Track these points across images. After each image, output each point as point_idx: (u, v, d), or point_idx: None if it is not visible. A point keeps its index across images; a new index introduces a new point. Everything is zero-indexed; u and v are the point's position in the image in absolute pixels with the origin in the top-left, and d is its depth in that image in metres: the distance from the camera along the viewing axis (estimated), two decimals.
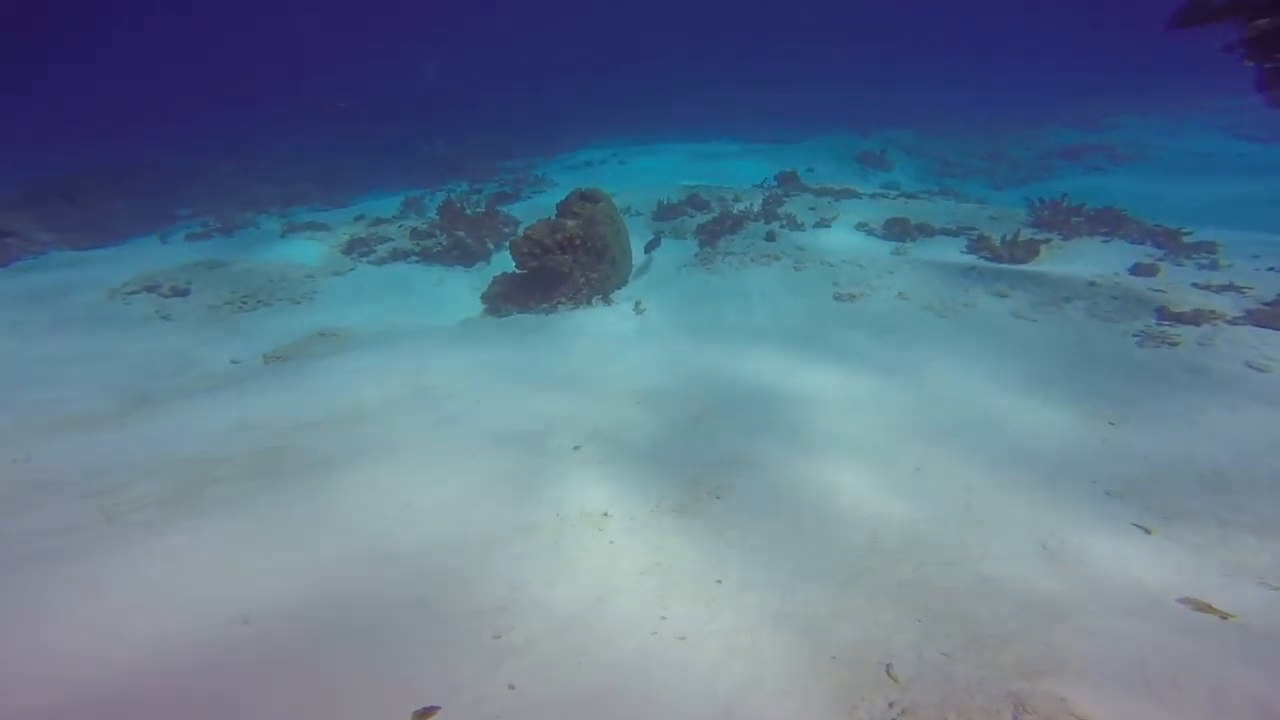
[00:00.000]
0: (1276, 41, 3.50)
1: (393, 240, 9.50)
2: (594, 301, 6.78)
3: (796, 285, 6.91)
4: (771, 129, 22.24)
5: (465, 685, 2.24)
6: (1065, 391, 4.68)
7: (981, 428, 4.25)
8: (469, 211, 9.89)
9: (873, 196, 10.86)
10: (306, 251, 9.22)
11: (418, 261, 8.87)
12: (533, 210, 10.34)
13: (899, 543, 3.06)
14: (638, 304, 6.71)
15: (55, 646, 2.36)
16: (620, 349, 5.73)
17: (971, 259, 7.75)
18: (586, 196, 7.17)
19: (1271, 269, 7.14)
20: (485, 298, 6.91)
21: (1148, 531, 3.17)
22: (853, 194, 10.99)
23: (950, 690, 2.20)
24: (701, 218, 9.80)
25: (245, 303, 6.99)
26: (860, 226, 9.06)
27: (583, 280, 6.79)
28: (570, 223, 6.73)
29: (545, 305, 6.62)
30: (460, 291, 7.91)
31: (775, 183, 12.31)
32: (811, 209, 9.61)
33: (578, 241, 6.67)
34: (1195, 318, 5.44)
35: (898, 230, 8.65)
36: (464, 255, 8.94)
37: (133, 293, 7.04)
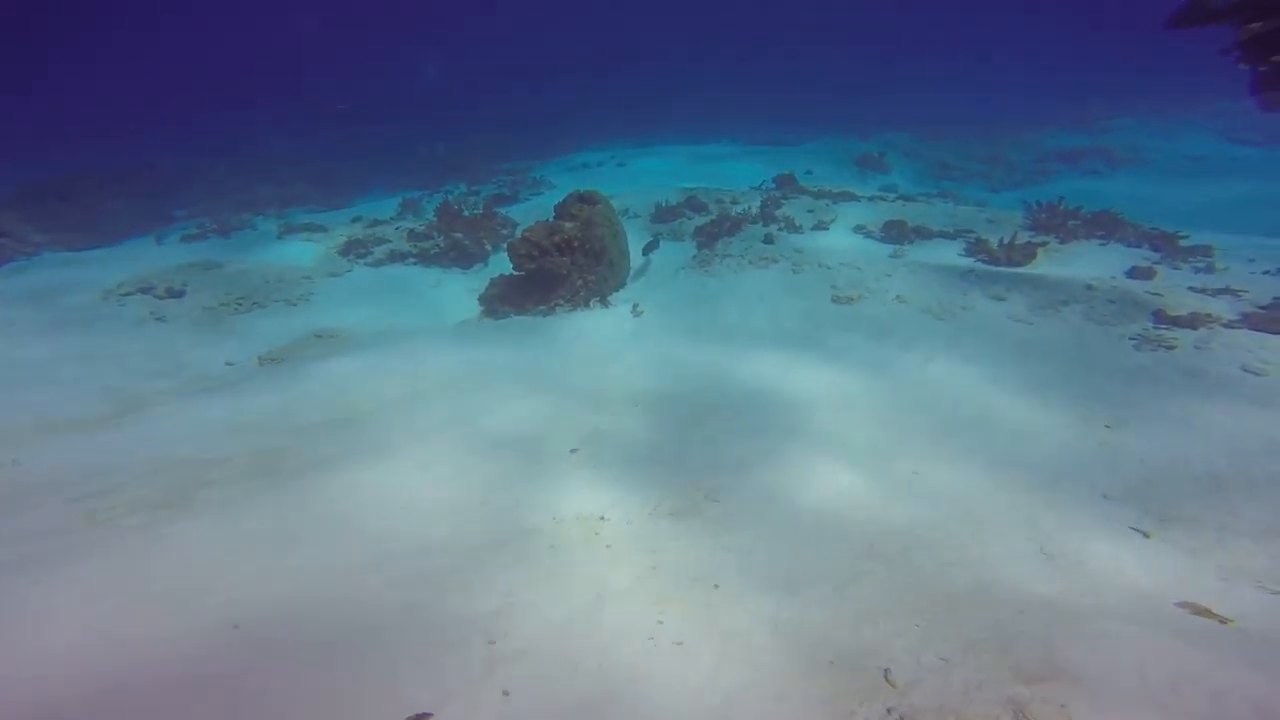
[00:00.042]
0: (1271, 45, 3.52)
1: (390, 242, 9.48)
2: (592, 304, 6.76)
3: (794, 288, 6.91)
4: (770, 131, 22.28)
5: (458, 691, 2.22)
6: (1062, 394, 4.68)
7: (979, 431, 4.24)
8: (467, 213, 9.88)
9: (871, 199, 10.88)
10: (303, 253, 9.19)
11: (415, 263, 8.85)
12: (531, 212, 10.33)
13: (897, 546, 3.05)
14: (635, 306, 6.70)
15: (35, 651, 2.32)
16: (618, 351, 5.71)
17: (969, 262, 7.76)
18: (584, 198, 7.16)
19: (1267, 272, 7.17)
20: (483, 300, 6.89)
21: (1145, 535, 3.17)
22: (851, 196, 11.00)
23: (949, 696, 2.19)
24: (700, 220, 9.79)
25: (241, 304, 6.96)
26: (858, 229, 9.07)
27: (580, 282, 6.78)
28: (568, 225, 6.72)
29: (543, 307, 6.60)
30: (457, 293, 7.90)
31: (773, 185, 12.31)
32: (810, 211, 9.62)
33: (575, 243, 6.65)
34: (1192, 321, 5.45)
35: (896, 233, 8.66)
36: (461, 257, 8.93)
37: (127, 294, 7.00)
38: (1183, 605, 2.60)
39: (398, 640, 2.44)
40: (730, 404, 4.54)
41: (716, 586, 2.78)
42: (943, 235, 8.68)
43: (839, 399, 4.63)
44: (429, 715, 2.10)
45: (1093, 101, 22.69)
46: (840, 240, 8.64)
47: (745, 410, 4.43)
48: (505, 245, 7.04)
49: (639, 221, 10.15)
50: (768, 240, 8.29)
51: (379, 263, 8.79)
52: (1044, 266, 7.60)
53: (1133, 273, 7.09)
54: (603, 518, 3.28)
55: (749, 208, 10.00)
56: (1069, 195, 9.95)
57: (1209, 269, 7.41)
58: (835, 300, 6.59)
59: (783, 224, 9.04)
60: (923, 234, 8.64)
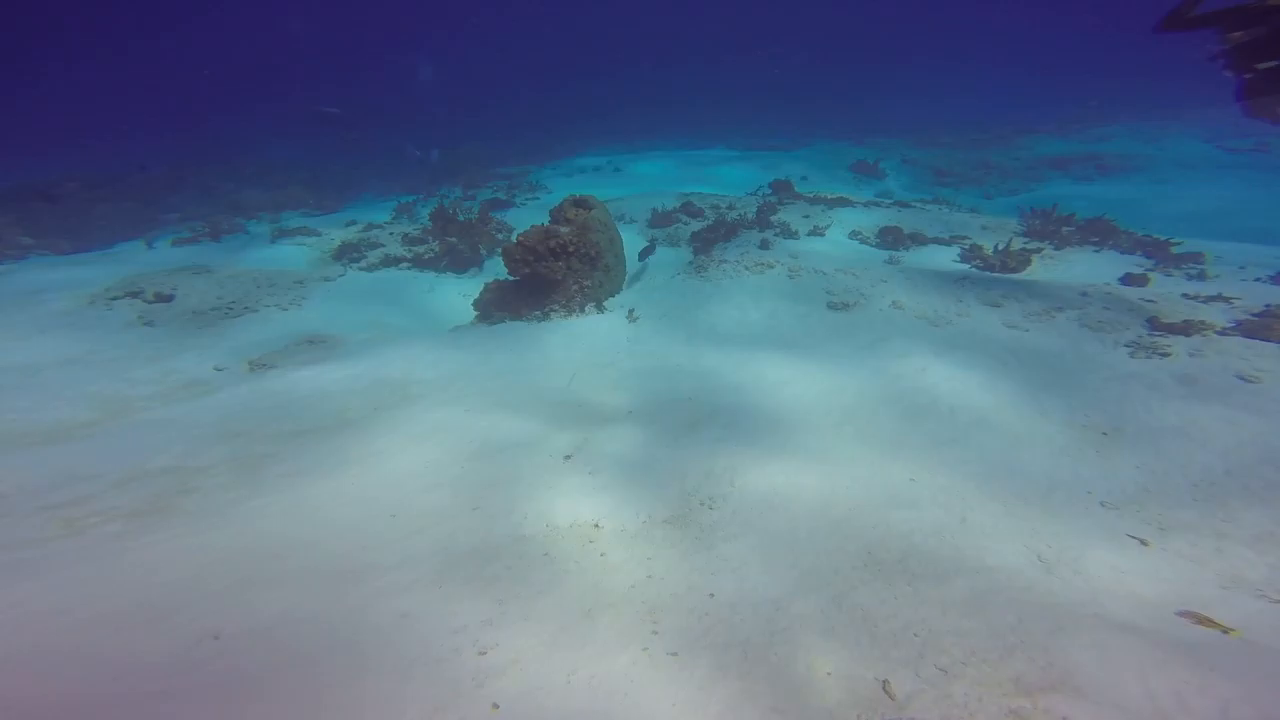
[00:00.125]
0: (1254, 53, 3.54)
1: (384, 246, 9.42)
2: (587, 309, 6.72)
3: (790, 294, 6.90)
4: (766, 136, 22.41)
5: (447, 704, 2.16)
6: (1058, 401, 4.66)
7: (975, 438, 4.22)
8: (462, 217, 9.84)
9: (866, 205, 10.92)
10: (296, 257, 9.13)
11: (409, 268, 8.79)
12: (527, 217, 10.31)
13: (894, 554, 3.01)
14: (631, 312, 6.66)
15: (1, 664, 2.24)
16: (613, 357, 5.67)
17: (965, 268, 7.79)
18: (580, 203, 7.14)
19: (1258, 279, 7.22)
20: (477, 305, 6.84)
21: (1144, 543, 3.14)
22: (846, 202, 11.04)
23: (949, 708, 2.15)
24: (696, 225, 9.80)
25: (231, 309, 6.88)
26: (854, 235, 9.09)
27: (576, 288, 6.74)
28: (564, 229, 6.68)
29: (538, 312, 6.56)
30: (452, 298, 7.84)
31: (770, 190, 12.35)
32: (806, 217, 9.64)
33: (571, 248, 6.62)
34: (1186, 328, 5.46)
35: (891, 239, 8.69)
36: (456, 262, 8.88)
37: (115, 298, 6.91)
38: (1184, 614, 2.57)
39: (384, 652, 2.37)
40: (726, 410, 4.50)
41: (712, 596, 2.74)
42: (938, 241, 8.71)
43: (835, 405, 4.60)
44: None
45: (1084, 108, 22.93)
46: (836, 246, 8.65)
47: (740, 417, 4.40)
48: (500, 250, 7.00)
49: (635, 226, 10.14)
50: (764, 246, 8.29)
51: (373, 267, 8.73)
52: (1039, 273, 7.63)
53: (1126, 279, 7.13)
54: (597, 525, 3.23)
55: (745, 213, 10.02)
56: (1062, 201, 10.02)
57: (1201, 276, 7.46)
58: (831, 306, 6.58)
59: (779, 229, 9.05)
60: (918, 240, 8.67)
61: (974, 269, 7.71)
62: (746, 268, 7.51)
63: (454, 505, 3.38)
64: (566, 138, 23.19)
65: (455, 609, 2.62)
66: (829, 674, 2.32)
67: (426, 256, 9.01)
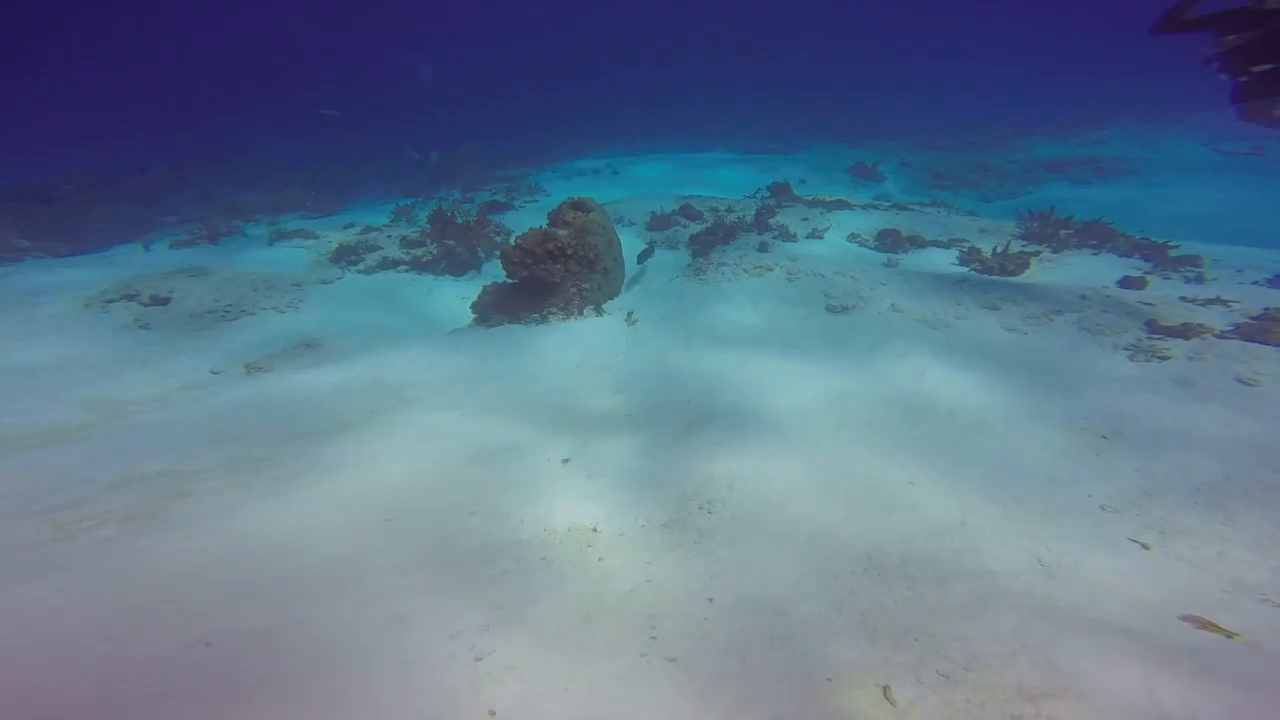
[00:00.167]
0: (1249, 55, 3.55)
1: (382, 249, 9.41)
2: (586, 312, 6.70)
3: (789, 296, 6.89)
4: (764, 139, 22.47)
5: (443, 711, 2.13)
6: (1058, 404, 4.65)
7: (974, 441, 4.20)
8: (460, 220, 9.83)
9: (865, 208, 10.93)
10: (294, 259, 9.11)
11: (407, 270, 8.77)
12: (526, 219, 10.30)
13: (894, 558, 2.99)
14: (630, 315, 6.65)
15: None
16: (612, 360, 5.65)
17: (963, 271, 7.79)
18: (578, 205, 7.12)
19: (1255, 282, 7.23)
20: (475, 307, 6.81)
21: (1145, 547, 3.12)
22: (845, 205, 11.05)
23: (951, 715, 2.12)
24: (695, 228, 9.80)
25: (228, 311, 6.85)
26: (853, 238, 9.10)
27: (574, 290, 6.72)
28: (562, 232, 6.67)
29: (536, 315, 6.54)
30: (450, 301, 7.82)
31: (768, 193, 12.37)
32: (804, 220, 9.64)
33: (569, 251, 6.60)
34: (1184, 331, 5.46)
35: (890, 242, 8.69)
36: (454, 264, 8.86)
37: (111, 301, 6.87)
38: (1187, 619, 2.55)
39: (379, 658, 2.34)
40: (724, 413, 4.48)
41: (711, 600, 2.71)
42: (936, 244, 8.71)
43: (834, 408, 4.58)
44: None
45: (1084, 108, 23.02)
46: (835, 249, 8.65)
47: (739, 420, 4.38)
48: (498, 253, 6.98)
49: (634, 229, 10.14)
50: (762, 249, 8.29)
51: (371, 270, 8.71)
52: (1038, 276, 7.64)
53: (1125, 282, 7.13)
54: (595, 529, 3.21)
55: (744, 216, 10.02)
56: (1059, 204, 10.04)
57: (1199, 279, 7.47)
58: (830, 309, 6.57)
59: (777, 232, 9.05)
60: (917, 243, 8.67)
61: (972, 272, 7.71)
62: (745, 270, 7.50)
63: (451, 509, 3.35)
64: (566, 139, 23.21)
65: (452, 614, 2.59)
66: (829, 680, 2.29)
67: (424, 259, 8.99)
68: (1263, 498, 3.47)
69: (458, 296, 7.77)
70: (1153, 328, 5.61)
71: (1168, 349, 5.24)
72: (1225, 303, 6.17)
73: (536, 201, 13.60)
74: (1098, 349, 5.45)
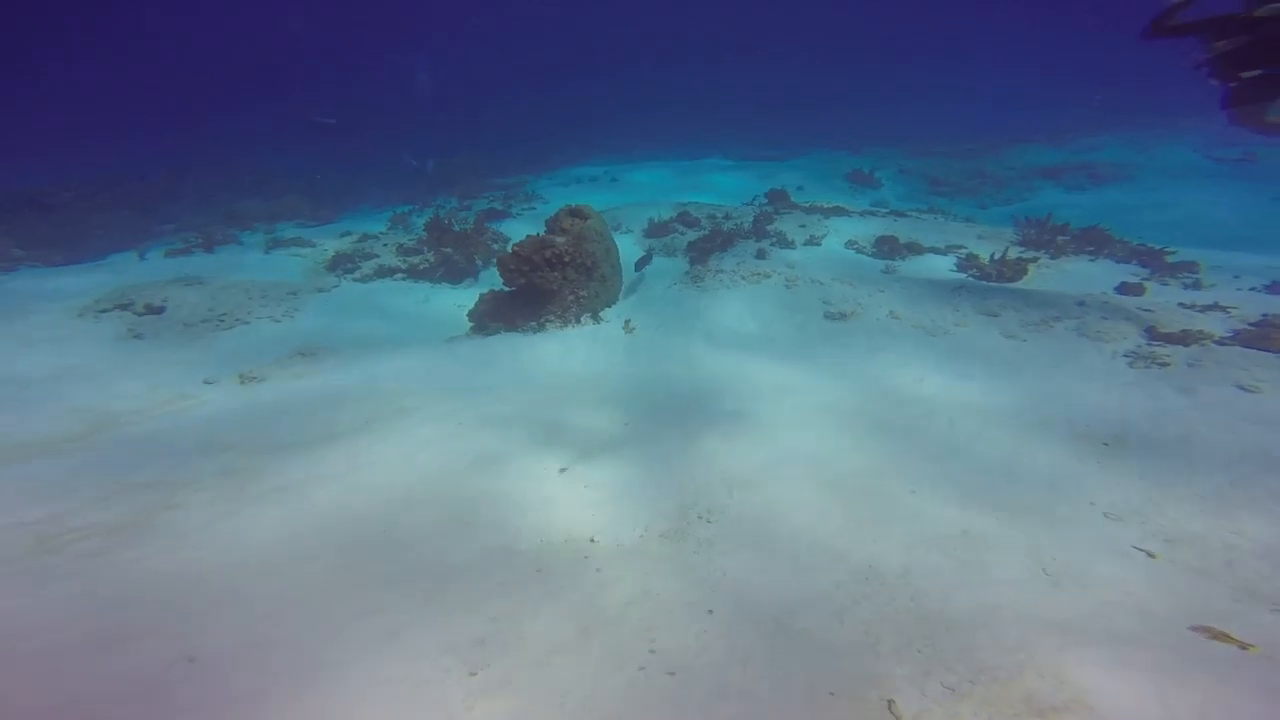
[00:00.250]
0: (1237, 61, 3.55)
1: (379, 257, 9.38)
2: (583, 319, 6.67)
3: (787, 303, 6.87)
4: (761, 146, 22.57)
5: None
6: (1058, 412, 4.62)
7: (975, 448, 4.16)
8: (457, 228, 9.81)
9: (862, 214, 10.95)
10: (290, 268, 9.07)
11: (404, 279, 8.74)
12: (523, 227, 10.29)
13: (896, 568, 2.94)
14: (628, 322, 6.62)
15: None
16: (609, 368, 5.61)
17: (961, 277, 7.78)
18: (576, 213, 7.11)
19: (1253, 289, 7.23)
20: (472, 316, 6.78)
21: (1151, 555, 3.08)
22: (842, 212, 11.06)
23: None
24: (692, 235, 9.79)
25: (223, 321, 6.80)
26: (850, 244, 9.09)
27: (571, 298, 6.69)
28: (559, 239, 6.65)
29: (533, 323, 6.50)
30: (446, 309, 7.79)
31: (765, 200, 12.39)
32: (802, 226, 9.65)
33: (566, 258, 6.58)
34: (1184, 338, 5.44)
35: (887, 248, 8.69)
36: (451, 272, 8.84)
37: (104, 310, 6.82)
38: (1199, 630, 2.50)
39: (371, 673, 2.28)
40: (723, 422, 4.44)
41: (711, 612, 2.66)
42: (934, 251, 8.72)
43: (834, 417, 4.54)
44: None
45: (1089, 104, 23.18)
46: (832, 255, 8.65)
47: (739, 428, 4.33)
48: (496, 260, 6.96)
49: (632, 236, 10.13)
50: (760, 255, 8.27)
51: (367, 278, 8.68)
52: (1035, 282, 7.63)
53: (1122, 288, 7.13)
54: (593, 540, 3.15)
55: (741, 223, 10.02)
56: (1055, 210, 10.07)
57: (1197, 285, 7.48)
58: (828, 316, 6.54)
59: (775, 239, 9.05)
60: (914, 249, 8.67)
61: (971, 278, 7.70)
62: (743, 277, 7.49)
63: (446, 520, 3.29)
64: (564, 146, 23.29)
65: (445, 628, 2.53)
66: (832, 694, 2.24)
67: (421, 267, 8.96)
68: (1269, 506, 3.43)
69: (454, 305, 7.73)
70: (1152, 334, 5.59)
71: (1168, 356, 5.21)
72: (1224, 309, 6.16)
73: (534, 209, 13.61)
74: (1098, 356, 5.42)
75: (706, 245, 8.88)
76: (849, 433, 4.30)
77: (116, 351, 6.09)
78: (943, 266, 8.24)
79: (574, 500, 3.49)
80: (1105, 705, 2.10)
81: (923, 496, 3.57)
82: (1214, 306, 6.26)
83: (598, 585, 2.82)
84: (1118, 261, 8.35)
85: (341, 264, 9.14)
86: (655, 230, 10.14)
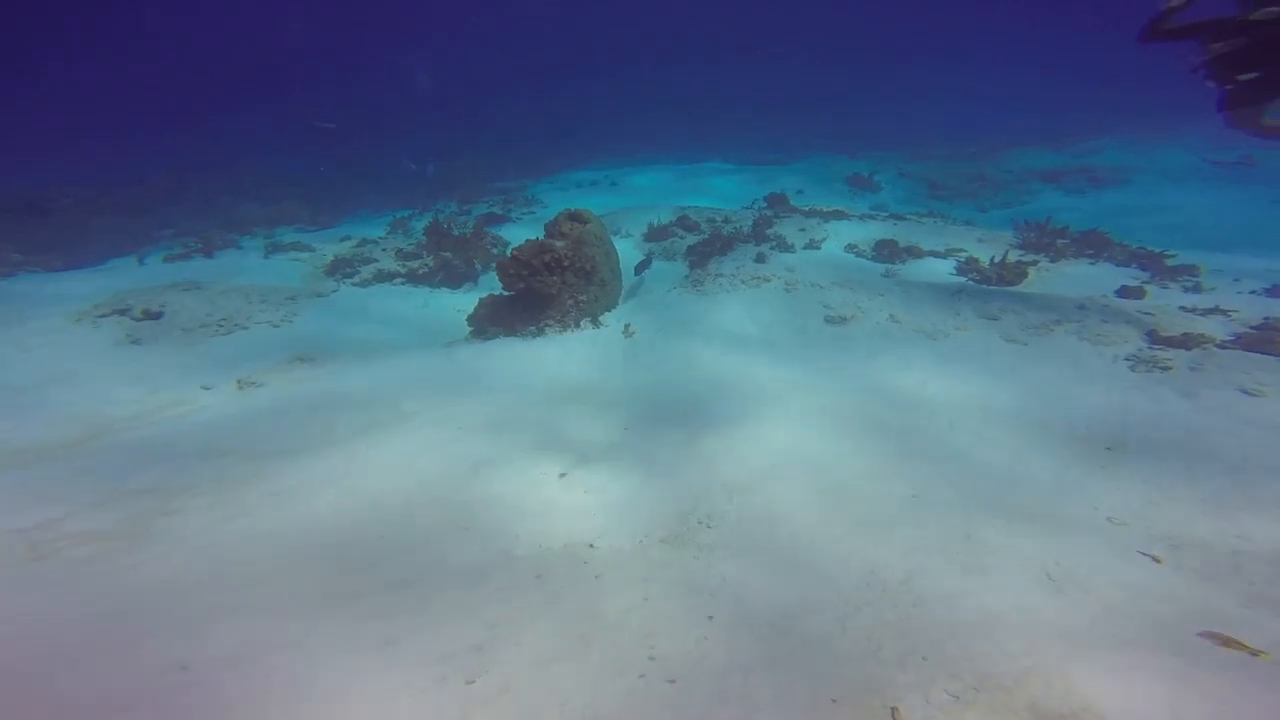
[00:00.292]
0: (1234, 64, 3.54)
1: (378, 261, 9.37)
2: (583, 324, 6.65)
3: (787, 307, 6.85)
4: (760, 150, 22.61)
5: None
6: (1060, 416, 4.60)
7: (977, 452, 4.14)
8: (457, 232, 9.81)
9: (862, 218, 10.94)
10: (289, 272, 9.06)
11: (403, 283, 8.73)
12: (523, 232, 10.28)
13: (898, 573, 2.91)
14: (627, 326, 6.60)
15: None
16: (609, 372, 5.59)
17: (961, 281, 7.77)
18: (575, 217, 7.10)
19: (1254, 292, 7.22)
20: (471, 320, 6.76)
21: (1155, 560, 3.05)
22: (842, 215, 11.07)
23: None
24: (692, 239, 9.79)
25: (222, 326, 6.78)
26: (850, 248, 9.09)
27: (571, 302, 6.67)
28: (558, 243, 6.64)
29: (533, 328, 6.48)
30: (446, 314, 7.76)
31: (765, 204, 12.39)
32: (801, 230, 9.64)
33: (566, 263, 6.57)
34: (1185, 341, 5.42)
35: (887, 252, 8.68)
36: (451, 277, 8.82)
37: (102, 315, 6.79)
38: (1207, 635, 2.46)
39: (366, 682, 2.25)
40: (723, 425, 4.41)
41: (711, 618, 2.63)
42: (934, 254, 8.71)
43: (834, 422, 4.51)
44: None
45: (1073, 120, 23.23)
46: (832, 259, 8.64)
47: (739, 432, 4.31)
48: (495, 265, 6.95)
49: (631, 240, 10.13)
50: (760, 259, 8.26)
51: (366, 282, 8.66)
52: (1036, 285, 7.62)
53: (1123, 292, 7.11)
54: (592, 545, 3.12)
55: (741, 227, 10.02)
56: (1055, 214, 10.07)
57: (1197, 288, 7.46)
58: (829, 320, 6.53)
59: (775, 243, 9.04)
60: (914, 253, 8.66)
61: (971, 281, 7.69)
62: (743, 281, 7.47)
63: (444, 525, 3.27)
64: (564, 150, 23.32)
65: (443, 634, 2.50)
66: (834, 701, 2.21)
67: (421, 272, 8.95)
68: (1274, 510, 3.40)
69: (454, 309, 7.71)
70: (1153, 338, 5.57)
71: (1169, 359, 5.19)
72: (1225, 312, 6.15)
73: (534, 213, 13.61)
74: (1098, 359, 5.40)
75: (706, 249, 8.87)
76: (849, 437, 4.27)
77: (114, 357, 6.07)
78: (942, 270, 8.23)
79: (573, 505, 3.46)
80: (1114, 713, 2.07)
81: (924, 501, 3.55)
82: (1215, 310, 6.24)
83: (597, 591, 2.79)
84: (1118, 265, 8.34)
85: (341, 269, 9.12)
86: (655, 234, 10.13)
